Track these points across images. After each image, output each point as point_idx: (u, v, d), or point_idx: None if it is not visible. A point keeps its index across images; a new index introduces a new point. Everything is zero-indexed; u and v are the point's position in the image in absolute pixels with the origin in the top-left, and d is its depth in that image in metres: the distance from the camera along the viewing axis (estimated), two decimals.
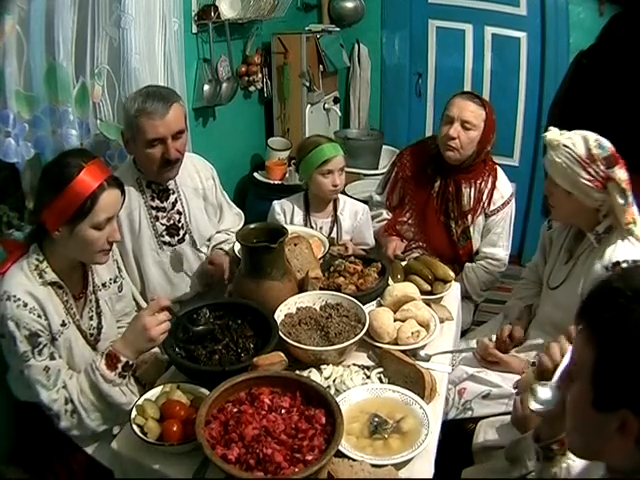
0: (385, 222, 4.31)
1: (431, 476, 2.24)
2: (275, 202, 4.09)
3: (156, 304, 2.65)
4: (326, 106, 6.27)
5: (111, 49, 3.58)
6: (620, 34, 5.21)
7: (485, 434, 2.88)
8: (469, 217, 4.07)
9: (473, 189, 4.04)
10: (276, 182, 5.39)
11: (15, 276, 2.60)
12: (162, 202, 3.50)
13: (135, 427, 2.30)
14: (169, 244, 3.55)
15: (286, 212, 4.02)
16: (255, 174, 5.58)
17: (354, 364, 2.72)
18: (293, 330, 2.76)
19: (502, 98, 6.21)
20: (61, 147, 3.40)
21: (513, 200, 4.16)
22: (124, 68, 3.57)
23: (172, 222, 3.54)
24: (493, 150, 4.07)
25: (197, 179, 3.67)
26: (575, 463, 2.01)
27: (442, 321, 3.09)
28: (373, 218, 4.31)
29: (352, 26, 6.71)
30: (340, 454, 2.13)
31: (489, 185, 4.05)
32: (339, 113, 6.57)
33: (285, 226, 3.17)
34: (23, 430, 3.01)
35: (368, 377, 2.63)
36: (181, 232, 3.58)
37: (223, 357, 2.60)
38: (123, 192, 2.75)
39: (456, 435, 2.99)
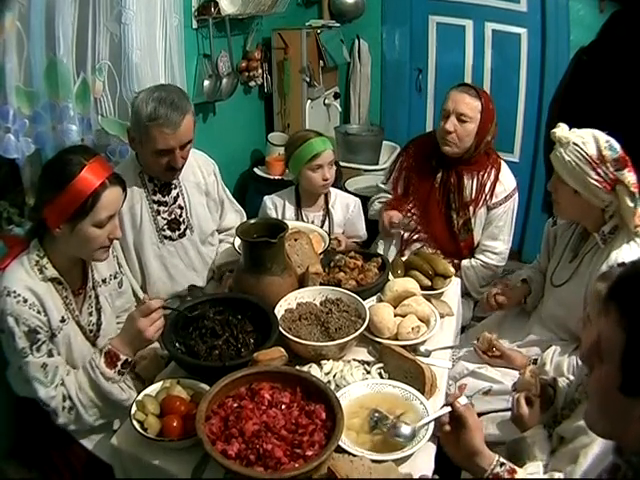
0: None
1: (431, 472, 2.24)
2: (266, 197, 4.11)
3: (146, 308, 2.64)
4: (326, 101, 6.26)
5: (112, 45, 3.57)
6: (620, 31, 5.20)
7: (486, 430, 2.88)
8: (470, 208, 4.05)
9: (475, 180, 4.03)
10: (276, 177, 5.38)
11: (15, 272, 2.60)
12: (164, 196, 3.51)
13: (135, 423, 2.30)
14: (170, 238, 3.55)
15: (277, 207, 4.03)
16: (255, 169, 5.58)
17: (354, 359, 2.72)
18: (293, 325, 2.76)
19: (502, 94, 6.18)
20: (61, 143, 3.40)
21: (516, 195, 4.12)
22: (125, 63, 3.57)
23: (173, 216, 3.54)
24: (494, 141, 4.07)
25: (199, 174, 3.67)
26: None
27: (442, 316, 3.10)
28: (374, 200, 4.43)
29: (352, 22, 6.71)
30: (340, 449, 2.14)
31: (492, 177, 4.03)
32: (339, 108, 6.56)
33: (285, 221, 3.17)
34: (23, 426, 3.01)
35: (368, 372, 2.64)
36: (182, 227, 3.58)
37: (223, 352, 2.61)
38: (124, 189, 2.75)
39: None
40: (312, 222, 3.91)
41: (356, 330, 2.71)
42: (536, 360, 3.06)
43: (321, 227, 3.89)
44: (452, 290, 3.42)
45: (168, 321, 2.69)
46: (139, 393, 2.47)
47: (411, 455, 2.22)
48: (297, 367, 2.53)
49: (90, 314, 2.90)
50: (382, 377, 2.63)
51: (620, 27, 5.22)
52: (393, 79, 6.88)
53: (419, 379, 2.52)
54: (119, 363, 2.63)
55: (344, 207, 4.07)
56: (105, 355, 2.63)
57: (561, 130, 2.98)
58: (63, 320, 2.70)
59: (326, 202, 4.03)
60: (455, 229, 4.08)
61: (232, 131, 5.44)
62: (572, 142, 2.91)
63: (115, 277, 3.12)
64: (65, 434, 2.79)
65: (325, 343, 2.65)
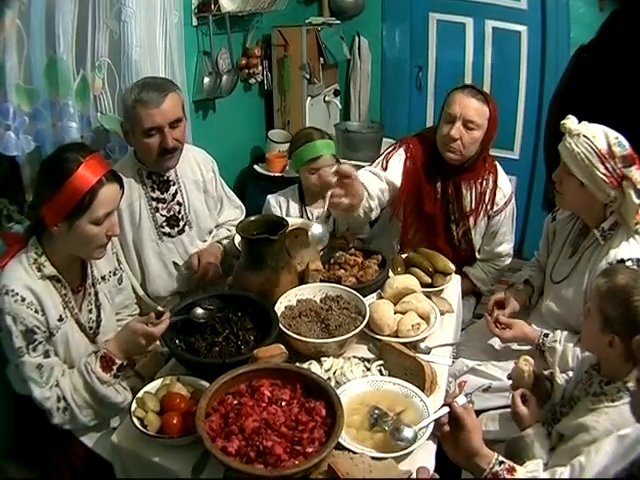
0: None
1: (431, 469, 2.24)
2: (270, 196, 4.11)
3: (145, 321, 2.64)
4: (326, 98, 6.26)
5: (112, 42, 3.57)
6: (620, 29, 5.20)
7: (485, 427, 2.88)
8: (471, 219, 3.90)
9: (474, 190, 3.85)
10: (276, 174, 5.38)
11: (14, 270, 2.60)
12: (162, 193, 3.51)
13: (135, 420, 2.30)
14: (169, 235, 3.55)
15: (281, 205, 4.03)
16: (255, 166, 5.59)
17: (354, 356, 2.73)
18: (293, 322, 2.76)
19: (502, 92, 6.19)
20: (61, 140, 3.40)
21: (514, 197, 4.05)
22: (125, 61, 3.57)
23: (172, 213, 3.54)
24: (493, 145, 3.90)
25: (198, 172, 3.67)
26: None
27: (442, 313, 3.10)
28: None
29: (352, 19, 6.70)
30: (340, 446, 2.14)
31: (490, 184, 3.86)
32: (339, 105, 6.56)
33: (285, 218, 3.17)
34: (23, 425, 3.01)
35: (368, 369, 2.64)
36: (181, 223, 3.58)
37: (223, 349, 2.61)
38: (122, 186, 2.74)
39: None
40: (317, 219, 3.87)
41: (356, 327, 2.71)
42: (547, 334, 3.06)
43: (325, 223, 3.84)
44: (452, 287, 3.42)
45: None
46: (139, 390, 2.47)
47: (411, 452, 2.22)
48: (297, 364, 2.53)
49: (90, 311, 2.90)
50: (382, 374, 2.63)
51: (620, 25, 5.22)
52: (393, 76, 6.88)
53: (419, 376, 2.52)
54: (115, 367, 2.64)
55: None
56: (101, 359, 2.63)
57: (571, 121, 2.97)
58: (61, 319, 2.70)
59: None
60: (455, 240, 3.95)
61: (232, 128, 5.44)
62: (582, 134, 2.90)
63: (115, 274, 3.12)
64: (65, 432, 2.79)
65: (325, 340, 2.65)
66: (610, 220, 2.98)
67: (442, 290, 3.32)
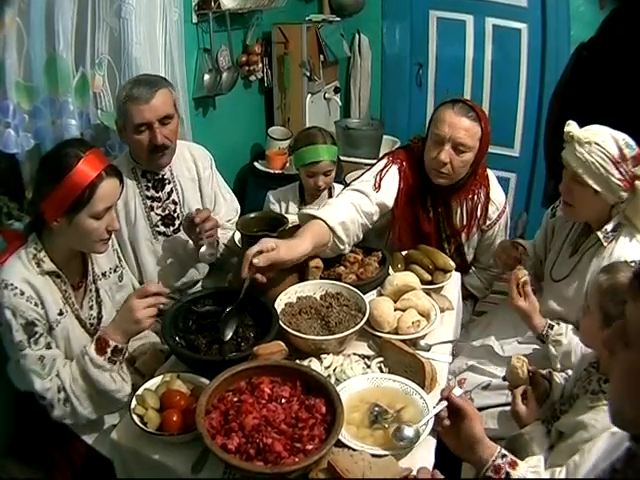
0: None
1: (431, 466, 2.24)
2: (270, 192, 4.12)
3: (143, 289, 2.66)
4: (326, 96, 6.27)
5: (112, 39, 3.58)
6: (620, 27, 5.20)
7: (485, 425, 2.88)
8: (463, 235, 3.78)
9: (465, 206, 3.69)
10: (276, 171, 5.40)
11: (13, 265, 2.61)
12: (157, 192, 3.51)
13: (135, 417, 2.30)
14: (164, 234, 3.56)
15: (281, 202, 4.05)
16: (255, 163, 5.61)
17: (354, 353, 2.72)
18: (293, 319, 2.76)
19: (503, 89, 6.22)
20: (61, 137, 3.40)
21: (507, 207, 3.89)
22: (125, 58, 3.58)
23: (167, 212, 3.54)
24: (485, 162, 3.67)
25: (194, 169, 3.68)
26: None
27: (442, 311, 3.09)
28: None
29: (353, 16, 6.71)
30: (340, 444, 2.13)
31: (482, 199, 3.69)
32: (339, 103, 6.58)
33: (286, 215, 3.17)
34: (23, 422, 3.02)
35: (368, 366, 2.63)
36: (176, 222, 3.58)
37: (223, 346, 2.60)
38: (122, 181, 2.75)
39: None
40: None
41: (356, 324, 2.70)
42: (552, 326, 3.03)
43: None
44: (452, 284, 3.41)
45: (168, 314, 2.69)
46: (139, 387, 2.47)
47: (411, 449, 2.21)
48: (297, 361, 2.53)
49: (90, 308, 2.91)
50: (382, 371, 2.62)
51: (620, 23, 5.22)
52: (393, 74, 6.88)
53: (419, 373, 2.52)
54: (109, 350, 2.60)
55: None
56: (96, 341, 2.61)
57: (576, 128, 2.92)
58: (61, 313, 2.70)
59: (330, 197, 4.00)
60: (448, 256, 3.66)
61: (232, 125, 5.45)
62: (594, 142, 2.84)
63: (115, 271, 3.13)
64: (65, 429, 2.80)
65: (325, 337, 2.64)
66: (613, 221, 2.97)
67: (442, 287, 3.31)
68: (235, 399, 2.18)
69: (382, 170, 3.59)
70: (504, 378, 2.89)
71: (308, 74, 5.69)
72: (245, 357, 2.42)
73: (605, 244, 2.98)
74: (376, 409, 2.31)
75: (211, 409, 2.14)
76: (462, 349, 3.44)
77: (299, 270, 3.04)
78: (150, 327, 2.69)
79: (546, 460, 2.31)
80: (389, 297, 2.99)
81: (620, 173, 2.82)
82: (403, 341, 2.72)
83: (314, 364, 2.57)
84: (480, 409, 2.89)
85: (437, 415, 2.24)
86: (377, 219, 3.47)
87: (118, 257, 3.20)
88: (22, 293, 2.54)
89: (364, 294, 2.94)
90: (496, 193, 3.76)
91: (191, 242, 3.54)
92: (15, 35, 3.26)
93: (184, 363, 2.59)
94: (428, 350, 2.84)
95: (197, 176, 3.67)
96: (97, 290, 2.96)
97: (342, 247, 3.15)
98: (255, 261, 2.60)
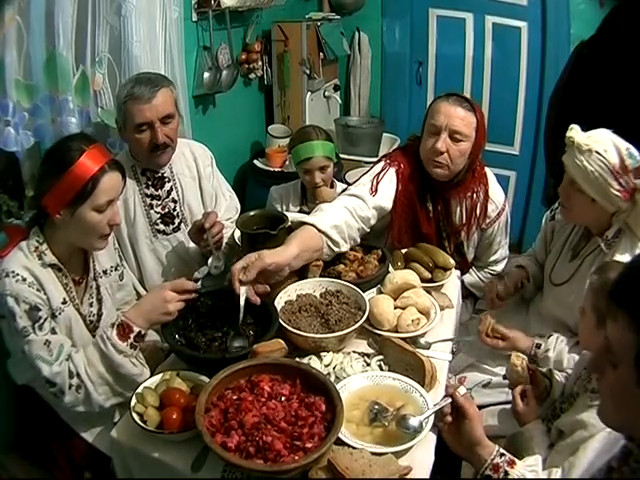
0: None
1: (431, 464, 2.24)
2: (273, 188, 4.12)
3: (181, 284, 2.68)
4: (326, 94, 6.27)
5: (112, 37, 3.59)
6: (621, 26, 5.19)
7: (485, 423, 2.87)
8: (462, 233, 3.74)
9: (464, 204, 3.66)
10: (276, 169, 5.39)
11: (14, 256, 2.62)
12: (157, 190, 3.51)
13: (135, 415, 2.30)
14: (164, 232, 3.55)
15: (283, 198, 4.05)
16: (255, 161, 5.61)
17: (354, 351, 2.72)
18: (293, 317, 2.76)
19: (503, 87, 6.23)
20: (61, 135, 3.38)
21: (507, 205, 3.84)
22: (125, 56, 3.58)
23: (167, 210, 3.54)
24: (483, 155, 3.66)
25: (194, 167, 3.67)
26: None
27: (442, 309, 3.09)
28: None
29: (353, 14, 6.72)
30: (340, 442, 2.14)
31: (481, 197, 3.65)
32: (339, 101, 6.58)
33: (286, 213, 3.17)
34: (23, 419, 3.02)
35: (368, 364, 2.63)
36: (176, 221, 3.58)
37: (223, 344, 2.60)
38: (124, 176, 2.77)
39: None
40: None
41: (356, 322, 2.70)
42: (539, 345, 3.03)
43: None
44: (452, 282, 3.42)
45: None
46: (139, 385, 2.46)
47: (411, 448, 2.21)
48: (297, 359, 2.53)
49: (91, 304, 2.91)
50: (382, 369, 2.63)
51: (621, 22, 5.21)
52: (393, 71, 6.90)
53: (419, 371, 2.52)
54: (132, 335, 2.60)
55: None
56: (118, 327, 2.60)
57: (577, 134, 2.85)
58: (65, 302, 2.71)
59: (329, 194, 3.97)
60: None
61: (232, 123, 5.45)
62: (595, 150, 2.78)
63: (116, 269, 3.13)
64: (65, 426, 2.80)
65: (325, 335, 2.64)
66: (614, 228, 2.93)
67: (442, 285, 3.31)
68: (235, 397, 2.19)
69: (379, 174, 3.56)
70: (504, 377, 2.89)
71: (308, 72, 5.69)
72: (245, 355, 2.42)
73: (606, 251, 2.95)
74: (376, 407, 2.31)
75: (211, 407, 2.14)
76: (462, 347, 3.44)
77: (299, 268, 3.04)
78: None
79: (546, 459, 2.31)
80: (389, 295, 2.99)
81: (619, 184, 2.78)
82: (403, 339, 2.72)
83: (314, 362, 2.58)
84: (480, 407, 2.90)
85: (440, 410, 2.25)
86: (375, 223, 3.45)
87: (119, 256, 3.21)
88: (24, 279, 2.55)
89: (364, 292, 2.94)
90: (495, 192, 3.73)
91: (189, 242, 3.54)
92: (15, 33, 3.26)
93: (184, 361, 2.59)
94: (428, 348, 2.84)
95: (197, 174, 3.66)
96: (98, 287, 2.96)
97: (338, 249, 3.15)
98: (242, 277, 2.62)
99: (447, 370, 2.82)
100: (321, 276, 3.08)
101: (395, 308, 2.91)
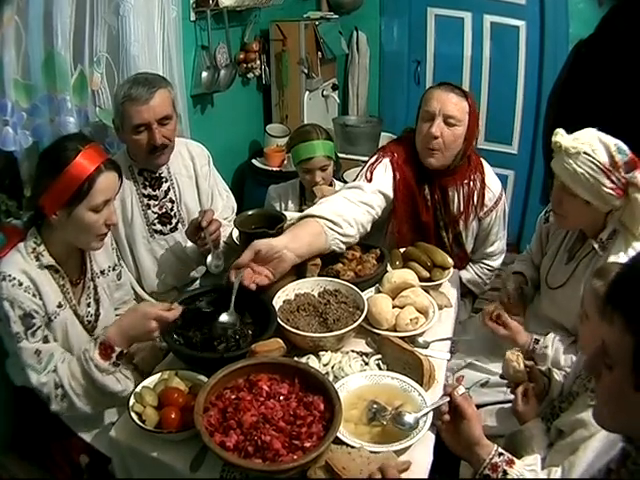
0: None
1: (429, 464, 2.24)
2: (271, 187, 4.14)
3: (163, 307, 2.61)
4: (324, 93, 6.28)
5: (110, 37, 3.59)
6: (619, 25, 5.20)
7: (483, 422, 2.87)
8: (460, 222, 3.75)
9: (461, 192, 3.68)
10: (274, 169, 5.41)
11: (12, 258, 2.63)
12: (154, 190, 3.51)
13: (133, 415, 2.30)
14: (161, 233, 3.56)
15: (282, 197, 4.06)
16: (253, 161, 5.63)
17: (353, 350, 2.72)
18: (291, 316, 2.75)
19: (501, 87, 6.23)
20: (59, 135, 3.40)
21: (504, 194, 3.87)
22: (123, 55, 3.59)
23: (164, 210, 3.55)
24: (476, 144, 3.75)
25: (191, 167, 3.67)
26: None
27: (441, 308, 3.09)
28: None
29: (351, 13, 6.72)
30: (338, 441, 2.13)
31: (478, 185, 3.68)
32: (337, 100, 6.58)
33: (285, 212, 3.17)
34: (22, 419, 3.02)
35: (367, 364, 2.63)
36: (173, 221, 3.59)
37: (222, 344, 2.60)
38: (121, 176, 2.77)
39: None
40: None
41: (354, 321, 2.70)
42: (538, 340, 3.03)
43: None
44: (450, 281, 3.41)
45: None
46: (137, 385, 2.46)
47: (409, 447, 2.21)
48: (295, 358, 2.52)
49: (88, 305, 2.91)
50: (380, 368, 2.63)
51: (619, 21, 5.22)
52: (391, 71, 6.90)
53: (418, 370, 2.52)
54: (114, 355, 2.59)
55: None
56: (100, 346, 2.58)
57: (563, 138, 2.83)
58: (60, 306, 2.71)
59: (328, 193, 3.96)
60: (447, 247, 3.74)
61: (230, 123, 5.47)
62: (582, 152, 2.75)
63: (114, 269, 3.14)
64: (64, 426, 2.80)
65: (323, 334, 2.64)
66: (608, 229, 2.91)
67: (440, 284, 3.30)
68: (233, 396, 2.18)
69: (373, 164, 3.62)
70: (502, 376, 2.89)
71: (306, 71, 5.71)
72: (243, 354, 2.42)
73: (601, 253, 2.94)
74: (374, 406, 2.31)
75: (209, 406, 2.14)
76: (460, 346, 3.44)
77: (297, 267, 3.04)
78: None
79: (545, 458, 2.31)
80: (387, 294, 2.99)
81: (612, 182, 2.74)
82: (401, 338, 2.72)
83: (312, 361, 2.58)
84: (478, 406, 2.90)
85: (438, 409, 2.25)
86: (381, 206, 3.45)
87: (117, 256, 3.21)
88: (20, 284, 2.55)
89: (362, 291, 2.93)
90: (491, 180, 3.76)
91: (189, 241, 3.53)
92: (13, 33, 3.27)
93: (182, 360, 2.59)
94: (426, 347, 2.84)
95: (194, 173, 3.66)
96: (95, 287, 2.97)
97: (342, 231, 3.10)
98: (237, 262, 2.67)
99: (445, 369, 2.82)
100: (319, 275, 3.08)
101: (393, 307, 2.91)
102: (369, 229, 3.33)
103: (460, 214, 3.70)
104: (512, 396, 2.72)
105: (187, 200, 3.62)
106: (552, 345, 2.98)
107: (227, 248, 3.59)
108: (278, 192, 4.10)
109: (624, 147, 2.77)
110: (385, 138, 6.04)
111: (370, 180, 3.49)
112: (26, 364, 2.58)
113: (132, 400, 2.36)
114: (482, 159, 3.76)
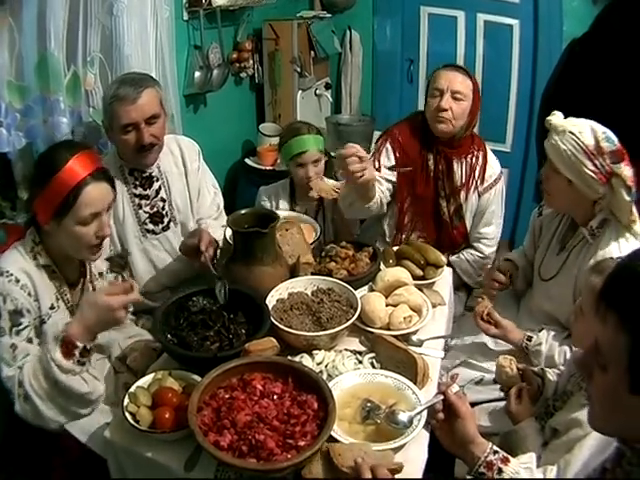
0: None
1: (424, 462, 2.25)
2: (261, 188, 4.14)
3: (114, 287, 2.61)
4: (317, 92, 6.27)
5: (103, 37, 3.60)
6: (614, 23, 5.20)
7: (478, 421, 2.87)
8: (462, 194, 3.97)
9: (464, 165, 3.94)
10: (267, 168, 5.41)
11: (11, 255, 2.64)
12: (145, 190, 3.50)
13: (127, 415, 2.30)
14: (153, 232, 3.54)
15: (272, 198, 4.05)
16: (246, 160, 5.62)
17: (346, 349, 2.73)
18: (285, 315, 2.76)
19: (494, 85, 6.20)
20: (52, 136, 3.42)
21: (503, 177, 4.12)
22: (116, 55, 3.59)
23: (156, 210, 3.53)
24: (476, 122, 4.01)
25: (181, 162, 3.65)
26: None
27: (434, 306, 3.10)
28: None
29: (344, 12, 6.70)
30: (332, 440, 2.14)
31: (480, 160, 3.97)
32: (330, 99, 6.56)
33: (276, 211, 3.17)
34: (15, 420, 3.01)
35: (360, 362, 2.64)
36: (165, 220, 3.57)
37: (215, 343, 2.60)
38: (113, 185, 2.76)
39: None
40: (305, 211, 3.93)
41: (348, 320, 2.71)
42: (531, 337, 3.04)
43: (315, 218, 3.88)
44: (444, 280, 3.42)
45: (160, 312, 2.68)
46: (131, 385, 2.46)
47: (404, 445, 2.22)
48: (289, 357, 2.53)
49: None
50: (374, 367, 2.64)
51: (613, 19, 5.22)
52: (384, 70, 6.88)
53: (411, 369, 2.52)
54: (76, 352, 2.50)
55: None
56: (61, 345, 2.48)
57: (556, 118, 2.94)
58: (52, 307, 2.72)
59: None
60: (446, 217, 3.98)
61: (223, 122, 5.46)
62: (568, 131, 2.86)
63: (112, 271, 3.13)
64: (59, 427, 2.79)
65: (317, 333, 2.65)
66: (598, 218, 2.96)
67: (434, 283, 3.32)
68: (227, 396, 2.19)
69: (375, 153, 4.05)
70: (495, 380, 2.89)
71: (299, 70, 5.71)
72: (237, 354, 2.42)
73: (591, 241, 2.99)
74: (368, 405, 2.32)
75: (203, 406, 2.14)
76: (454, 344, 3.45)
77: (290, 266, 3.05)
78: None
79: (540, 457, 2.31)
80: (380, 293, 3.00)
81: (594, 165, 2.81)
82: (395, 337, 2.73)
83: (306, 360, 2.59)
84: (473, 404, 2.89)
85: (432, 407, 2.25)
86: (390, 189, 3.93)
87: None
88: (17, 281, 2.56)
89: (355, 290, 2.95)
90: (492, 159, 4.05)
91: (178, 240, 3.54)
92: (7, 34, 3.28)
93: (176, 360, 2.59)
94: (420, 345, 2.85)
95: (184, 169, 3.65)
96: (94, 290, 2.96)
97: (385, 196, 3.82)
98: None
99: (439, 367, 2.83)
100: (312, 274, 3.08)
101: (387, 306, 2.92)
102: (385, 203, 3.86)
103: (462, 185, 3.95)
104: None
105: (179, 198, 3.61)
106: (546, 342, 2.99)
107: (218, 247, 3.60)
108: (268, 193, 4.09)
109: (613, 137, 2.85)
110: (378, 137, 6.05)
111: (378, 169, 3.88)
112: (1, 358, 2.57)
113: (126, 400, 2.36)
114: (484, 142, 4.03)
